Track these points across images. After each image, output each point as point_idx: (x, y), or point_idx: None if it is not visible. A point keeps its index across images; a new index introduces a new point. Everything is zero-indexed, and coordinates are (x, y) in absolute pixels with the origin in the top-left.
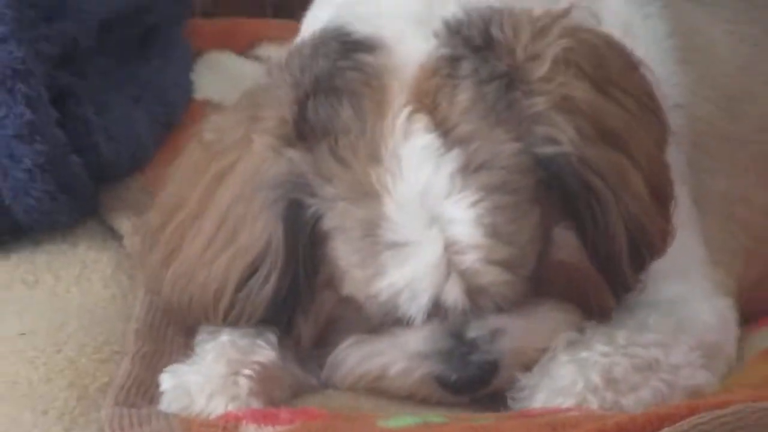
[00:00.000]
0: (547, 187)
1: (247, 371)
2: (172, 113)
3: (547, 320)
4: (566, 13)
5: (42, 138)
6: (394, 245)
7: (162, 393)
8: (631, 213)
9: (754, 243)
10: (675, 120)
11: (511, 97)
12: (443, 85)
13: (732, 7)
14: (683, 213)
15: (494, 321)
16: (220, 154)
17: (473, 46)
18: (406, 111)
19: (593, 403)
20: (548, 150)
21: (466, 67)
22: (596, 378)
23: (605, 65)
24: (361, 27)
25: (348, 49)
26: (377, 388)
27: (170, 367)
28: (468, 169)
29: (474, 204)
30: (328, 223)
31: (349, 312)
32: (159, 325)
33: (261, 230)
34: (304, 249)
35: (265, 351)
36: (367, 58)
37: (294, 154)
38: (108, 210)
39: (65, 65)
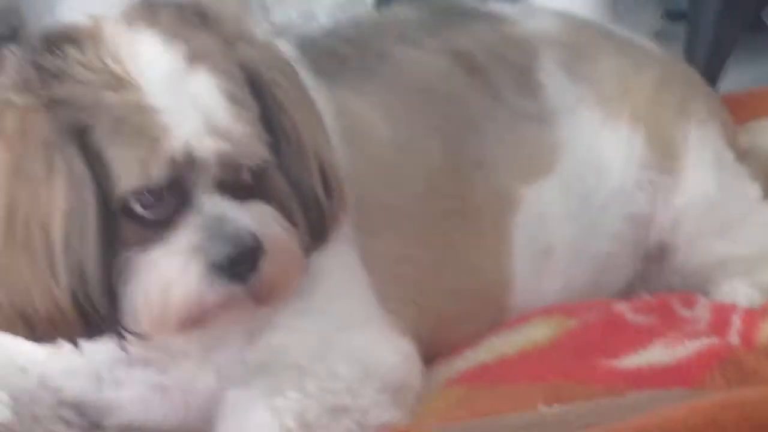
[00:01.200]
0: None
1: None
2: None
3: (287, 227)
4: None
5: None
6: (159, 120)
7: None
8: (320, 154)
9: (422, 296)
10: None
11: (207, 21)
12: (148, 13)
13: (389, 96)
14: (352, 269)
15: (248, 205)
16: None
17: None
18: (123, 22)
19: None
20: (248, 55)
21: (162, 1)
22: (290, 422)
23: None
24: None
25: (49, 29)
26: (166, 312)
27: None
28: (194, 55)
29: (211, 76)
30: (98, 128)
31: (133, 231)
32: None
33: (63, 170)
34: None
35: (1, 408)
36: (68, 22)
37: (49, 92)
38: None
39: None
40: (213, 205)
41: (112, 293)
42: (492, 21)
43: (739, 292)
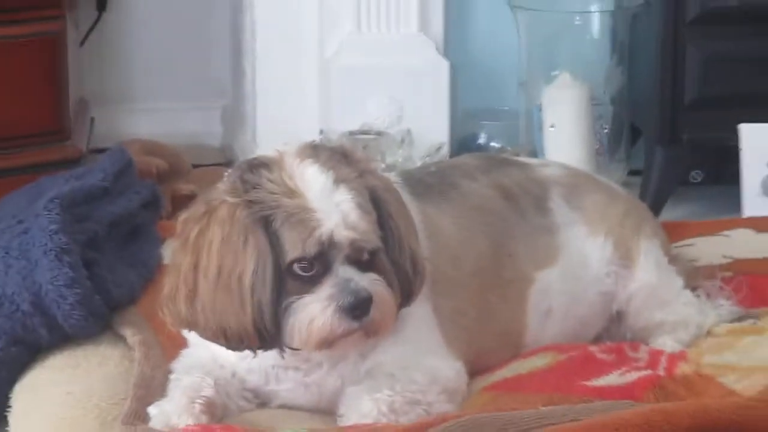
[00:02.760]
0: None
1: (199, 401)
2: (151, 272)
3: (388, 289)
4: None
5: (78, 286)
6: (315, 217)
7: (150, 417)
8: (411, 247)
9: (470, 336)
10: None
11: (348, 159)
12: (312, 152)
13: (456, 210)
14: (427, 316)
15: (368, 276)
16: (193, 223)
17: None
18: (296, 156)
19: (383, 421)
20: (371, 182)
21: (321, 145)
22: (384, 408)
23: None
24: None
25: (251, 159)
26: (311, 337)
27: (155, 402)
28: (339, 180)
29: (348, 193)
30: (277, 220)
31: (294, 285)
32: (147, 381)
33: (253, 244)
34: (272, 248)
35: (208, 389)
36: (263, 155)
37: (249, 196)
38: (117, 326)
39: (91, 246)
40: (344, 271)
41: (278, 323)
42: (522, 167)
43: (666, 344)
